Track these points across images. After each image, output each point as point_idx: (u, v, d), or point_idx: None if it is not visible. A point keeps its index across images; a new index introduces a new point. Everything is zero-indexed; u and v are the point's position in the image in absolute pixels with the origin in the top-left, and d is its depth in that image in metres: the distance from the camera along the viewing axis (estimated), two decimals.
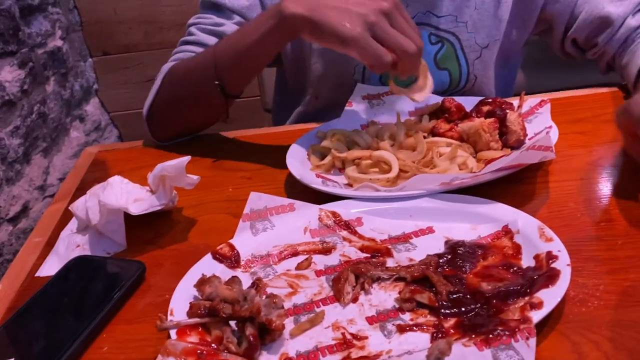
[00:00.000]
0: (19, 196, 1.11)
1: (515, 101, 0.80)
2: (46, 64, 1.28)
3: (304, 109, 0.99)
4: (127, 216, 0.63)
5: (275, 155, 0.80)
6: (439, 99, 0.83)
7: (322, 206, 0.62)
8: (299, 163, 0.72)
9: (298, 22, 0.68)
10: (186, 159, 0.62)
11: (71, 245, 0.63)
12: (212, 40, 0.86)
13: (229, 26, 0.87)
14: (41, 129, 1.22)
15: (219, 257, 0.56)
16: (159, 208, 0.63)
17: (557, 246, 0.51)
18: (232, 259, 0.56)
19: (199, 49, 0.86)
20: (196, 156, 0.84)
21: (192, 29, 0.89)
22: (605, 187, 0.65)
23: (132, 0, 1.50)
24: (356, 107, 0.84)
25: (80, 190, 0.78)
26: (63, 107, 1.35)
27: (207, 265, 0.55)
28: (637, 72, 0.79)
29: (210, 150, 0.85)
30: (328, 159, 0.72)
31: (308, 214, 0.62)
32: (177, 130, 0.88)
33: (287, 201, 0.63)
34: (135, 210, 0.61)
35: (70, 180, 0.82)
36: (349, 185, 0.68)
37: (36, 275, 0.61)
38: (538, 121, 0.76)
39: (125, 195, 0.62)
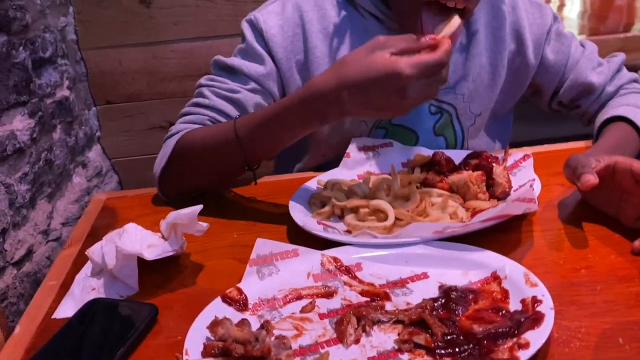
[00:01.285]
0: (24, 240, 1.13)
1: (500, 155, 0.87)
2: (54, 113, 1.34)
3: (303, 166, 1.04)
4: (139, 261, 0.67)
5: (277, 203, 0.85)
6: (429, 152, 0.89)
7: (324, 252, 0.67)
8: (301, 210, 0.77)
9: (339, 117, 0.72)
10: (198, 207, 0.66)
11: (86, 288, 0.66)
12: (226, 106, 0.87)
13: (244, 94, 0.88)
14: (47, 175, 1.26)
15: (228, 301, 0.60)
16: (171, 254, 0.67)
17: (541, 291, 0.56)
18: (240, 302, 0.60)
19: (212, 114, 0.87)
20: (203, 203, 0.88)
21: (205, 91, 0.89)
22: (584, 236, 0.70)
23: (136, 53, 1.57)
24: (353, 157, 0.90)
25: (92, 236, 0.82)
26: (68, 154, 1.40)
27: (217, 308, 0.59)
28: (597, 130, 0.91)
29: (214, 198, 0.89)
30: (328, 207, 0.77)
31: (311, 259, 0.66)
32: (189, 190, 0.89)
33: (291, 247, 0.68)
34: (149, 255, 0.65)
35: (81, 226, 0.86)
36: (348, 231, 0.73)
37: (53, 317, 0.64)
38: (522, 174, 0.82)
39: (140, 241, 0.66)
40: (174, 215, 0.66)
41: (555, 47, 0.97)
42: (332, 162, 0.96)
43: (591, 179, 0.66)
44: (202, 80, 0.92)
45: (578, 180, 0.68)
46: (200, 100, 0.90)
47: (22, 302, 1.08)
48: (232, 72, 0.91)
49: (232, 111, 0.87)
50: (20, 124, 1.15)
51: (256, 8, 1.27)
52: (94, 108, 1.61)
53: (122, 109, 1.63)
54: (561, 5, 2.71)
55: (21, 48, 1.20)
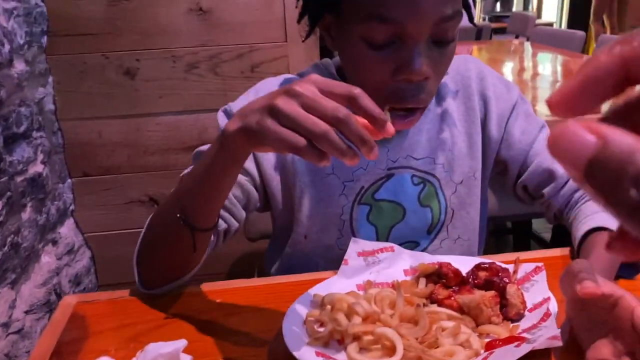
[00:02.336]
0: None
1: (510, 265, 0.81)
2: (25, 191, 1.25)
3: (291, 251, 0.98)
4: None
5: (269, 315, 0.77)
6: (432, 259, 0.83)
7: None
8: (295, 335, 0.69)
9: (236, 136, 0.63)
10: (182, 344, 0.58)
11: None
12: None
13: None
14: (12, 260, 1.16)
15: None
16: None
17: None
18: None
19: None
20: (185, 314, 0.80)
21: (188, 170, 0.88)
22: None
23: (117, 124, 1.51)
24: (352, 265, 0.83)
25: (56, 355, 0.72)
26: (37, 234, 1.30)
27: None
28: (578, 242, 0.84)
29: (198, 306, 0.81)
30: (327, 329, 0.69)
31: None
32: (161, 273, 0.83)
33: None
34: None
35: (45, 341, 0.76)
36: None
37: None
38: (534, 290, 0.76)
39: None
40: (155, 353, 0.57)
41: (522, 126, 0.96)
42: (316, 246, 0.93)
43: (593, 287, 0.59)
44: (184, 173, 0.90)
45: (579, 283, 0.61)
46: (182, 175, 0.89)
47: None
48: None
49: None
50: None
51: (245, 83, 1.23)
52: (69, 180, 1.52)
53: (100, 181, 1.55)
54: (535, 74, 2.78)
55: None
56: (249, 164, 0.92)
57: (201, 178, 0.73)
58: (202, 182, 0.73)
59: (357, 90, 0.56)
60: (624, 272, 0.80)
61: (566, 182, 0.94)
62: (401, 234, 0.94)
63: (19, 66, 1.27)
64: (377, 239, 0.94)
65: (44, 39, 1.40)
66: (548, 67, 3.04)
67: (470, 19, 0.89)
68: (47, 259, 1.37)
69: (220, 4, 1.44)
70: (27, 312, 1.22)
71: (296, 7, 0.89)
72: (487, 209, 1.08)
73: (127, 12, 1.42)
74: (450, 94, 0.96)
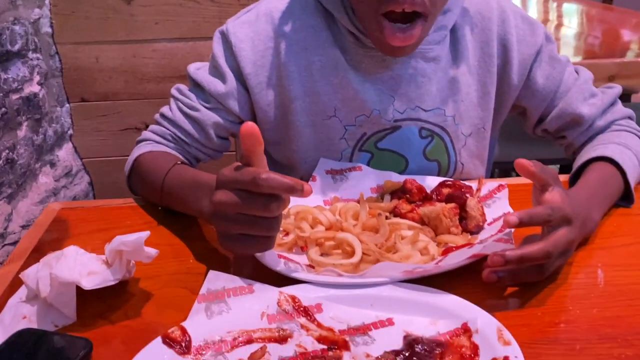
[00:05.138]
0: None
1: (474, 184, 0.81)
2: (20, 109, 1.27)
3: None
4: (80, 286, 0.61)
5: None
6: (400, 178, 0.84)
7: (282, 289, 0.61)
8: None
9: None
10: (145, 234, 0.60)
11: (17, 316, 0.60)
12: (185, 123, 0.88)
13: (203, 112, 0.87)
14: (7, 175, 1.19)
15: (169, 342, 0.54)
16: (112, 283, 0.61)
17: (514, 351, 0.51)
18: (182, 345, 0.54)
19: (173, 129, 0.89)
20: (163, 221, 0.82)
21: (172, 104, 0.90)
22: (564, 285, 0.65)
23: (114, 50, 1.51)
24: (320, 181, 0.84)
25: (37, 252, 0.76)
26: (33, 153, 1.33)
27: (155, 350, 0.53)
28: (575, 170, 0.84)
29: (171, 216, 0.83)
30: (291, 237, 0.71)
31: (267, 297, 0.60)
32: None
33: (246, 282, 0.62)
34: (87, 284, 0.59)
35: (27, 240, 0.79)
36: (311, 266, 0.67)
37: None
38: (496, 206, 0.77)
39: (79, 267, 0.60)
40: (118, 241, 0.60)
41: (546, 71, 0.90)
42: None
43: (527, 163, 0.63)
44: (174, 91, 0.92)
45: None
46: (166, 111, 0.91)
47: None
48: (197, 86, 0.90)
49: (190, 128, 0.89)
50: None
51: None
52: (67, 105, 1.54)
53: (97, 107, 1.56)
54: (559, 25, 2.69)
55: None
56: (236, 106, 0.87)
57: (181, 209, 0.78)
58: (183, 210, 0.78)
59: (262, 176, 0.56)
60: (622, 202, 0.81)
61: (591, 125, 0.90)
62: None
63: None
64: None
65: None
66: (574, 19, 2.92)
67: None
68: (45, 179, 1.40)
69: None
70: (23, 227, 1.26)
71: None
72: (494, 154, 1.04)
73: None
74: (465, 38, 0.87)
